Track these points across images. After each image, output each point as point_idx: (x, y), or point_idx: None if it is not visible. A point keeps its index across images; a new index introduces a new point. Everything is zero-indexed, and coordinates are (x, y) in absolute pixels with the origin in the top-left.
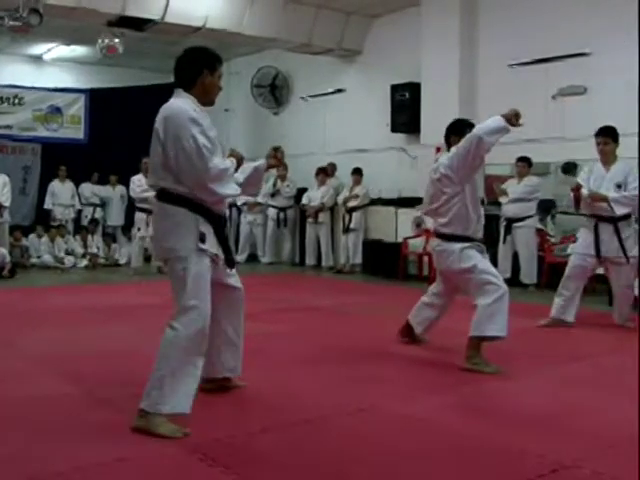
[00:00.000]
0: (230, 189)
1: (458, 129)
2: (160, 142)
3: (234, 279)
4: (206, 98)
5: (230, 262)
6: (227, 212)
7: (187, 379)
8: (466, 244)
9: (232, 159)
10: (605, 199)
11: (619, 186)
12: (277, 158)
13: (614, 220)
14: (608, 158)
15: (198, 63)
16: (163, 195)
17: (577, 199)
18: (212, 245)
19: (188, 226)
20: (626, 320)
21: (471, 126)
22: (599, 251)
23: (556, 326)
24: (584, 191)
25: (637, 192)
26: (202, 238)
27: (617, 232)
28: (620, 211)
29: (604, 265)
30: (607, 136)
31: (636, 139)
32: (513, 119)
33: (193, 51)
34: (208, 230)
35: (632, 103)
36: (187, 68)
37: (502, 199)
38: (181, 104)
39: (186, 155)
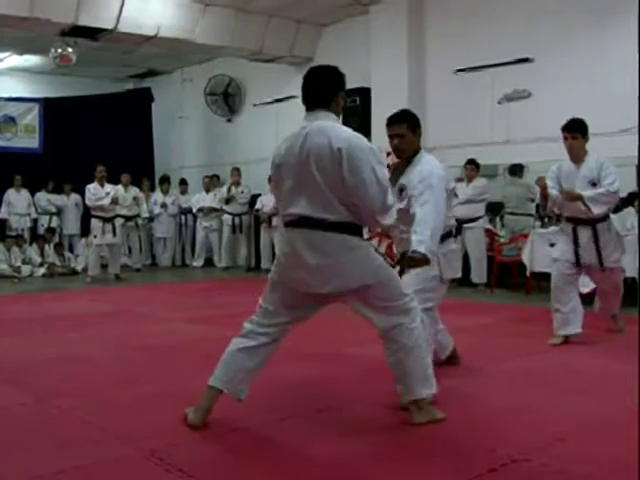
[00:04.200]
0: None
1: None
2: (340, 170)
3: None
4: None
5: None
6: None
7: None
8: None
9: None
10: (580, 197)
11: (594, 184)
12: None
13: (593, 223)
14: (578, 154)
15: (336, 83)
16: (331, 226)
17: (545, 196)
18: None
19: (371, 252)
20: (615, 318)
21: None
22: (579, 259)
23: (566, 343)
24: (554, 192)
25: (612, 188)
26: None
27: (595, 237)
28: (597, 210)
29: (585, 270)
30: (575, 130)
31: None
32: None
33: (328, 70)
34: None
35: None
36: (326, 88)
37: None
38: (347, 128)
39: (365, 187)
